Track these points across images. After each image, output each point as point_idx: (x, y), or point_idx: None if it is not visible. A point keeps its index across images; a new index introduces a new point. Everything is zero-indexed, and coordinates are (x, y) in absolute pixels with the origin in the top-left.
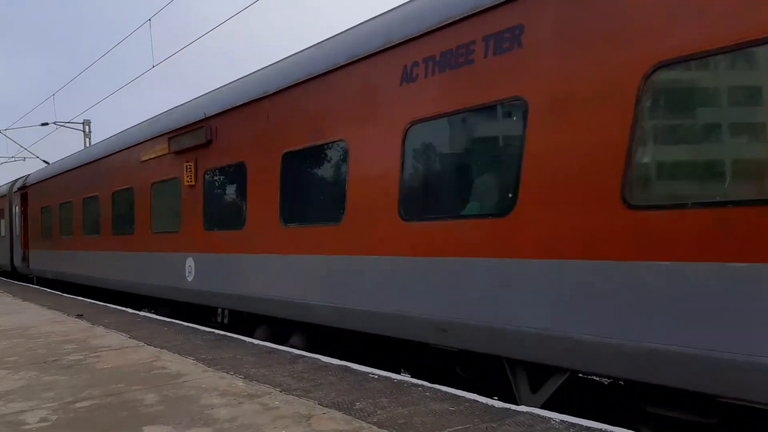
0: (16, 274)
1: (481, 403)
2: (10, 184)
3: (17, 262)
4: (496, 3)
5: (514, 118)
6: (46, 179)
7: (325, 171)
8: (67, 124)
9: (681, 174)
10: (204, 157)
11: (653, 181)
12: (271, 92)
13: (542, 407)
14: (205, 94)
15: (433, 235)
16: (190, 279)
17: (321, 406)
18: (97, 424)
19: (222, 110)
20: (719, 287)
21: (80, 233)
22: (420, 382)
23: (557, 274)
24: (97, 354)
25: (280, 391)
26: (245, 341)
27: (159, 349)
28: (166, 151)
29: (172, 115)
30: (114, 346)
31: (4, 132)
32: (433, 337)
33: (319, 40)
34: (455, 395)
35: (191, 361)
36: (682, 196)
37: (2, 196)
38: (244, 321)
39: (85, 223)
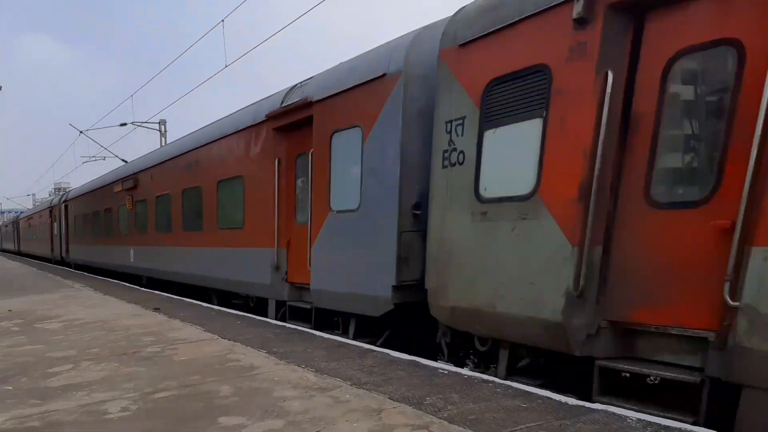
0: (64, 263)
1: (554, 400)
2: (59, 197)
3: (63, 254)
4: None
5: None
6: (76, 197)
7: (167, 207)
8: (144, 124)
9: (219, 216)
10: (134, 194)
11: (221, 220)
12: (149, 166)
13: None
14: (136, 159)
15: (192, 238)
16: (132, 260)
17: (391, 401)
18: (175, 414)
19: (138, 170)
20: (240, 258)
21: (91, 234)
22: (491, 378)
23: (217, 255)
24: (174, 346)
25: (351, 385)
26: (315, 335)
27: (232, 342)
28: (121, 188)
29: (125, 168)
30: (190, 338)
31: (85, 132)
32: (198, 281)
33: (163, 146)
34: (527, 392)
35: (263, 354)
36: (226, 224)
37: (55, 206)
38: (156, 283)
39: (93, 228)
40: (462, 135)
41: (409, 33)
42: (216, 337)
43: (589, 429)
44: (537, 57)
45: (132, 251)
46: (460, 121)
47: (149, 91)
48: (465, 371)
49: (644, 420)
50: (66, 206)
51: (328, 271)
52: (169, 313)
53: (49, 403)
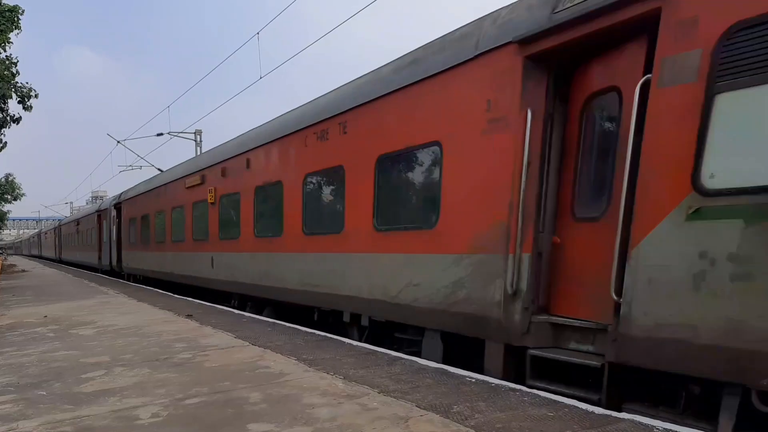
0: (61, 261)
1: (581, 409)
2: (58, 221)
3: (60, 255)
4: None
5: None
6: (65, 224)
7: (82, 236)
8: (180, 134)
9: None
10: (78, 228)
11: (86, 243)
12: (82, 216)
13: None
14: (78, 212)
15: (82, 249)
16: (78, 257)
17: (418, 409)
18: (205, 420)
19: (77, 218)
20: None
21: (70, 244)
22: (518, 386)
23: (89, 254)
24: (205, 353)
25: (379, 393)
26: (344, 342)
27: (263, 348)
28: (74, 224)
29: (76, 214)
30: (221, 345)
31: (122, 142)
32: (87, 264)
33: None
34: (554, 401)
35: (293, 360)
36: (91, 244)
37: (56, 227)
38: (88, 268)
39: (70, 241)
40: (112, 228)
41: (118, 194)
42: (247, 344)
43: None
44: (142, 212)
45: (77, 253)
46: (116, 224)
47: (185, 101)
48: (493, 379)
49: (670, 429)
50: (61, 228)
51: (105, 257)
52: (201, 319)
53: (82, 408)
